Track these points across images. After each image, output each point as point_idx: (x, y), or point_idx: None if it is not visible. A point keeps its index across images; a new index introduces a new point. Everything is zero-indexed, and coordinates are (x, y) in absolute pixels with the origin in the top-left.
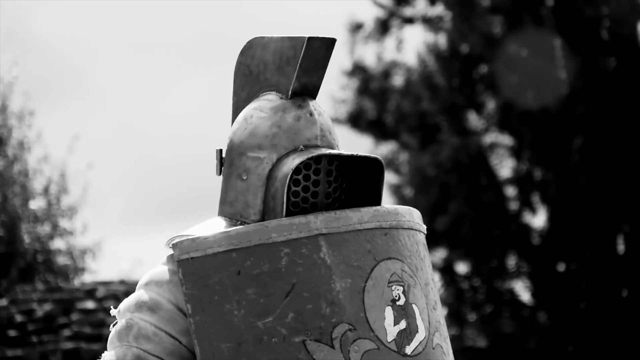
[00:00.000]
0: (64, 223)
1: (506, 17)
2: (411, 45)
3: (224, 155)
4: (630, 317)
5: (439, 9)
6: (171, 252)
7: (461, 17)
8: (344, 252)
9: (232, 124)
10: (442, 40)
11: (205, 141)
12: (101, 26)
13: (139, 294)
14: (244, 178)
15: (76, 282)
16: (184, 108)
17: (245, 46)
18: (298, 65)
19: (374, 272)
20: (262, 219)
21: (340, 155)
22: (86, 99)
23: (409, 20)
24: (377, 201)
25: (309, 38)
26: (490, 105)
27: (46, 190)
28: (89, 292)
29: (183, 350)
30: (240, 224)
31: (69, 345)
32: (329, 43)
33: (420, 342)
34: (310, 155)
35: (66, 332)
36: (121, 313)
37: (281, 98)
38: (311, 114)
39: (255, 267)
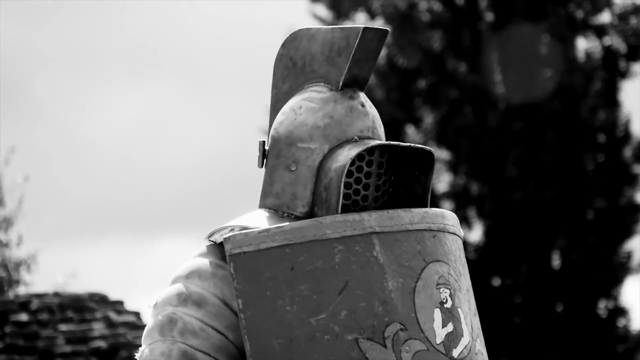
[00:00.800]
0: None
1: (445, 32)
2: None
3: (266, 147)
4: (565, 332)
5: (378, 23)
6: (209, 243)
7: (400, 31)
8: (396, 252)
9: (270, 116)
10: (381, 54)
11: (142, 152)
12: (38, 37)
13: (179, 287)
14: (293, 169)
15: (10, 295)
16: (121, 119)
17: (288, 38)
18: (351, 55)
19: (424, 274)
20: (311, 210)
21: (393, 148)
22: (23, 110)
23: None
24: (423, 196)
25: (364, 28)
26: (428, 119)
27: None
28: (23, 305)
29: (230, 347)
30: (287, 216)
31: (2, 357)
32: (382, 34)
33: (466, 346)
34: (366, 147)
35: None
36: (159, 306)
37: (330, 89)
38: (363, 105)
39: (309, 263)
